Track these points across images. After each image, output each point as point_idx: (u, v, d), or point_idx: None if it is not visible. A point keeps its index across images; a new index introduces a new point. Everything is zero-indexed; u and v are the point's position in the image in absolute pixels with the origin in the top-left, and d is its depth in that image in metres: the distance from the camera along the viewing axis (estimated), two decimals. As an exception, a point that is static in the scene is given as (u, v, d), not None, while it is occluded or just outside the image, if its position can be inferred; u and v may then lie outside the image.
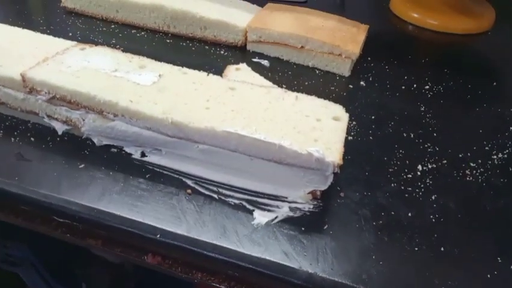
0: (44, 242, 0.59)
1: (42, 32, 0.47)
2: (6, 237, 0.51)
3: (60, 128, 0.39)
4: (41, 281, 0.52)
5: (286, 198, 0.34)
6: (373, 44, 0.55)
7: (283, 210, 0.34)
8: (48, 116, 0.39)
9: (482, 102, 0.49)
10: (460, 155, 0.41)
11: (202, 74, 0.39)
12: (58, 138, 0.39)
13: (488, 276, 0.30)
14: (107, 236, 0.35)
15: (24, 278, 0.54)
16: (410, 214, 0.34)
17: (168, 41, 0.55)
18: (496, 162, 0.40)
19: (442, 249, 0.32)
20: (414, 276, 0.30)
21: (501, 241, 0.33)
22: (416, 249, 0.32)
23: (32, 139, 0.39)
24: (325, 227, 0.33)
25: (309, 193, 0.34)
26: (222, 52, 0.53)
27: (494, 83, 0.52)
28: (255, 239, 0.32)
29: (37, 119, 0.40)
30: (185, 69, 0.39)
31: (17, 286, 0.59)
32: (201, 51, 0.54)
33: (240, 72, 0.47)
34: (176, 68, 0.39)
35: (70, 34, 0.54)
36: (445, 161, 0.40)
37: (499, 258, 0.32)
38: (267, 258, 0.30)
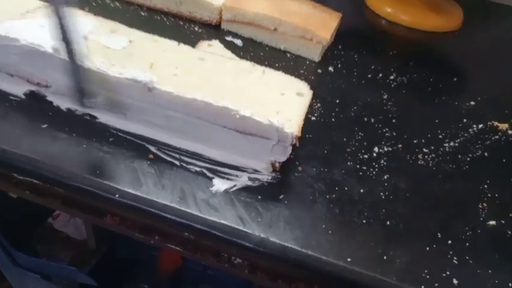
0: (4, 214, 0.59)
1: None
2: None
3: (26, 89, 0.39)
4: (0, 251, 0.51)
5: (246, 168, 0.35)
6: (345, 33, 0.57)
7: (242, 180, 0.35)
8: (15, 75, 0.38)
9: (441, 95, 0.51)
10: (415, 141, 0.43)
11: (173, 43, 0.39)
12: (22, 97, 0.39)
13: (427, 248, 0.33)
14: (66, 196, 0.35)
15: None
16: (362, 190, 0.36)
17: (142, 13, 0.55)
18: (447, 150, 0.43)
19: (388, 223, 0.34)
20: (360, 246, 0.32)
21: (443, 220, 0.35)
22: (364, 221, 0.34)
23: (-5, 97, 0.38)
24: (281, 197, 0.34)
25: (268, 164, 0.35)
26: (196, 29, 0.54)
27: (455, 79, 0.55)
28: (212, 204, 0.33)
29: (1, 82, 0.40)
30: (156, 36, 0.39)
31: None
32: (174, 26, 0.54)
33: (212, 48, 0.48)
34: (147, 35, 0.39)
35: (42, -2, 0.53)
36: (400, 145, 0.42)
37: (439, 234, 0.34)
38: (222, 222, 0.32)
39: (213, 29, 0.55)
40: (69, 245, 0.87)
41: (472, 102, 0.50)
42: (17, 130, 0.36)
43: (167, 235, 0.34)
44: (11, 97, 0.39)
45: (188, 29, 0.53)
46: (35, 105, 0.38)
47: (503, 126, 0.47)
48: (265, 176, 0.36)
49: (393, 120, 0.45)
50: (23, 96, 0.39)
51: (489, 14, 0.76)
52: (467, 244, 0.33)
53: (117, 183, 0.33)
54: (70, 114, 0.38)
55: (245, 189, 0.34)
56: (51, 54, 0.35)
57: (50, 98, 0.39)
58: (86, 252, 0.88)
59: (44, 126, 0.36)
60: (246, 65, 0.38)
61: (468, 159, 0.42)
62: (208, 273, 0.87)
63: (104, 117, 0.38)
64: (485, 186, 0.39)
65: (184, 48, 0.39)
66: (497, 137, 0.46)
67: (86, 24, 0.39)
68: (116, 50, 0.37)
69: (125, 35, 0.39)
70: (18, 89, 0.39)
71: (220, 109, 0.33)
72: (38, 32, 0.36)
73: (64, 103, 0.38)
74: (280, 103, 0.35)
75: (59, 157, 0.34)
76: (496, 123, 0.48)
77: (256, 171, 0.35)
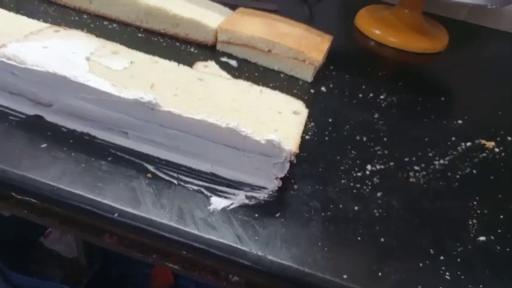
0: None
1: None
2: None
3: (27, 108, 0.39)
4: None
5: (248, 184, 0.36)
6: (336, 54, 0.59)
7: (240, 198, 0.36)
8: (16, 94, 0.39)
9: (430, 114, 0.53)
10: (406, 159, 0.44)
11: (173, 64, 0.40)
12: (22, 117, 0.39)
13: (421, 264, 0.33)
14: (65, 215, 0.35)
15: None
16: (356, 208, 0.37)
17: (140, 35, 0.56)
18: (437, 168, 0.44)
19: (382, 240, 0.35)
20: (355, 263, 0.33)
21: (435, 236, 0.36)
22: (359, 239, 0.35)
23: (-5, 117, 0.39)
24: (277, 215, 0.35)
25: (275, 180, 0.36)
26: (192, 50, 0.55)
27: (442, 98, 0.57)
28: (210, 223, 0.33)
29: (2, 99, 0.40)
30: (156, 57, 0.41)
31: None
32: (171, 47, 0.55)
33: (208, 69, 0.49)
34: (148, 56, 0.41)
35: (41, 20, 0.54)
36: (392, 163, 0.43)
37: (431, 250, 0.35)
38: (220, 240, 0.32)
39: (209, 50, 0.56)
40: (61, 263, 0.86)
41: (460, 121, 0.52)
42: (17, 150, 0.36)
43: (165, 253, 0.34)
44: (10, 117, 0.39)
45: (184, 50, 0.55)
46: (35, 124, 0.39)
47: (490, 144, 0.49)
48: (262, 194, 0.36)
49: (385, 139, 0.46)
50: (23, 116, 0.39)
51: (473, 36, 0.79)
52: (459, 260, 0.34)
53: (116, 202, 0.33)
54: (69, 133, 0.39)
55: (242, 207, 0.35)
56: (55, 74, 0.36)
57: (50, 117, 0.39)
58: (78, 271, 0.87)
59: (44, 145, 0.37)
60: (244, 85, 0.40)
61: (457, 176, 0.43)
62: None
63: (104, 136, 0.38)
64: (475, 202, 0.41)
65: (184, 69, 0.40)
66: (484, 154, 0.48)
67: (88, 46, 0.40)
68: (117, 71, 0.38)
69: (126, 56, 0.40)
70: (19, 108, 0.40)
71: (219, 128, 0.34)
72: (41, 53, 0.37)
73: (64, 122, 0.39)
74: (278, 121, 0.36)
75: (58, 177, 0.34)
76: (483, 142, 0.49)
77: (258, 188, 0.36)
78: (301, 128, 0.36)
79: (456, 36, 0.72)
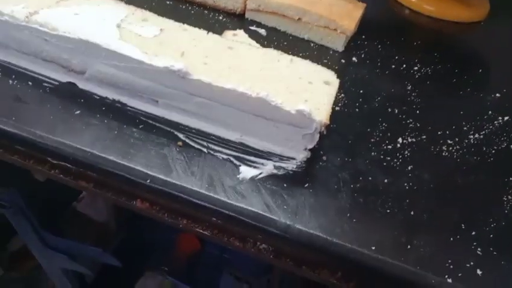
0: (34, 197, 0.61)
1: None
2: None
3: (60, 75, 0.40)
4: (28, 224, 0.54)
5: (272, 155, 0.36)
6: (369, 23, 0.57)
7: (268, 168, 0.36)
8: (49, 61, 0.40)
9: (466, 86, 0.51)
10: (439, 133, 0.43)
11: (202, 32, 0.40)
12: (56, 84, 0.40)
13: (451, 239, 0.33)
14: (98, 179, 0.36)
15: (10, 219, 0.56)
16: (386, 181, 0.37)
17: (168, 2, 0.56)
18: (472, 142, 0.43)
19: (412, 213, 0.34)
20: (384, 235, 0.33)
21: (467, 211, 0.36)
22: (388, 211, 0.34)
23: (30, 83, 0.40)
24: (305, 185, 0.35)
25: (304, 151, 0.36)
26: (220, 18, 0.54)
27: (480, 70, 0.54)
28: (240, 191, 0.34)
29: (36, 66, 0.41)
30: (185, 25, 0.40)
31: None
32: (199, 15, 0.54)
33: (236, 38, 0.48)
34: (177, 23, 0.40)
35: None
36: (424, 136, 0.42)
37: (462, 225, 0.34)
38: (249, 208, 0.32)
39: (237, 19, 0.55)
40: (91, 227, 0.90)
41: (498, 94, 0.50)
42: (52, 116, 0.37)
43: (195, 219, 0.35)
44: (44, 83, 0.40)
45: (212, 18, 0.54)
46: (68, 91, 0.40)
47: (529, 119, 0.47)
48: (291, 165, 0.36)
49: (417, 112, 0.45)
50: (56, 83, 0.40)
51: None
52: (491, 236, 0.34)
53: (148, 168, 0.34)
54: (101, 100, 0.39)
55: (271, 177, 0.35)
56: (87, 41, 0.36)
57: (83, 84, 0.40)
58: (108, 235, 0.91)
59: (77, 112, 0.38)
60: (274, 53, 0.39)
61: (493, 151, 0.42)
62: (225, 257, 0.89)
63: (135, 104, 0.39)
64: (510, 178, 0.39)
65: (213, 37, 0.40)
66: (522, 129, 0.46)
67: (118, 12, 0.40)
68: (148, 39, 0.38)
69: (155, 23, 0.40)
70: (52, 75, 0.40)
71: (251, 98, 0.33)
72: (73, 19, 0.37)
73: (96, 89, 0.39)
74: (309, 91, 0.35)
75: (92, 142, 0.35)
76: (521, 116, 0.47)
77: (287, 158, 0.36)
78: (332, 98, 0.36)
79: (497, 4, 0.68)
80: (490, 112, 0.47)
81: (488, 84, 0.52)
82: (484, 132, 0.44)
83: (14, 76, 0.40)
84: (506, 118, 0.46)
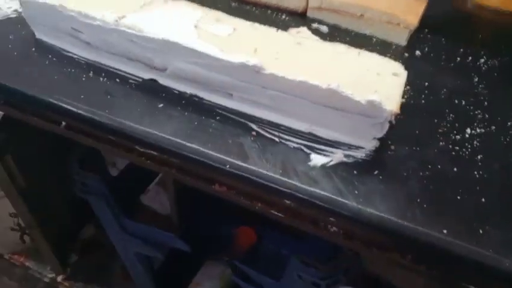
0: (115, 184, 0.66)
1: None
2: (84, 169, 0.58)
3: (143, 72, 0.44)
4: (109, 210, 0.59)
5: (341, 144, 0.38)
6: (431, 17, 0.57)
7: (338, 156, 0.37)
8: (134, 60, 0.44)
9: (536, 78, 0.49)
10: (509, 123, 0.42)
11: (272, 30, 0.42)
12: (139, 81, 0.44)
13: (523, 227, 0.33)
14: (179, 165, 0.40)
15: (93, 205, 0.61)
16: (455, 169, 0.37)
17: (233, 4, 0.59)
18: (544, 133, 0.42)
19: (483, 200, 0.35)
20: (455, 220, 0.33)
21: (542, 201, 0.35)
22: (459, 198, 0.35)
23: (117, 80, 0.44)
24: (375, 173, 0.36)
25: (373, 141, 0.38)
26: (283, 17, 0.57)
27: (550, 61, 0.53)
28: (312, 176, 0.36)
29: (122, 65, 0.45)
30: (256, 24, 0.43)
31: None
32: (263, 15, 0.57)
33: (301, 35, 0.50)
34: (248, 23, 0.43)
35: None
36: (494, 127, 0.42)
37: (537, 213, 0.34)
38: (322, 192, 0.34)
39: (299, 17, 0.57)
40: (155, 219, 0.96)
41: None
42: (138, 108, 0.41)
43: (269, 203, 0.38)
44: (130, 80, 0.44)
45: (276, 18, 0.56)
46: (151, 87, 0.44)
47: None
48: (360, 154, 0.38)
49: (485, 103, 0.45)
50: (140, 79, 0.44)
51: None
52: None
53: (227, 155, 0.37)
54: (180, 95, 0.43)
55: (341, 164, 0.37)
56: (169, 41, 0.40)
57: (163, 80, 0.44)
58: (170, 227, 0.96)
59: (160, 105, 0.42)
60: (341, 47, 0.41)
61: None
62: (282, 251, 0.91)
63: (211, 97, 0.42)
64: None
65: (282, 34, 0.42)
66: None
67: (193, 14, 0.44)
68: (223, 37, 0.41)
69: (228, 23, 0.43)
70: (136, 72, 0.45)
71: (322, 90, 0.36)
72: (156, 22, 0.42)
73: (175, 85, 0.43)
74: (378, 83, 0.37)
75: (175, 132, 0.39)
76: None
77: (356, 147, 0.38)
78: (401, 89, 0.37)
79: None
80: (563, 103, 0.46)
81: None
82: (557, 123, 0.43)
83: (103, 74, 0.45)
84: None
